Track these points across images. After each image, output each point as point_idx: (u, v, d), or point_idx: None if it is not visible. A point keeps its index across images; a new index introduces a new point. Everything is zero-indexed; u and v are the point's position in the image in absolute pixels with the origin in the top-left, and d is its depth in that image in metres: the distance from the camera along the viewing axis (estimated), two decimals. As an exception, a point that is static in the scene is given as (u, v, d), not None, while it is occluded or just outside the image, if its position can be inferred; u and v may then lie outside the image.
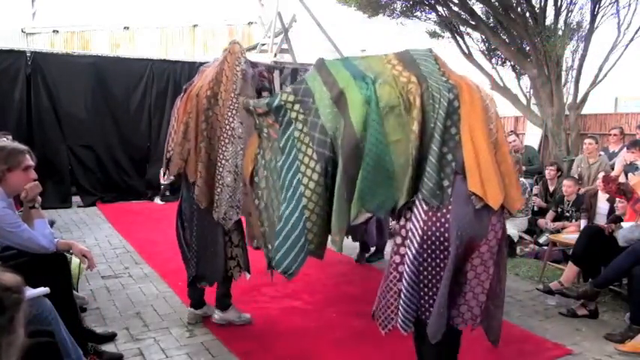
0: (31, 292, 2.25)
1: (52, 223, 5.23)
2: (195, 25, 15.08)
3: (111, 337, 3.31)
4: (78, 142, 8.33)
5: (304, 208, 2.66)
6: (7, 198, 2.76)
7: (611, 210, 5.00)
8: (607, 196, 4.94)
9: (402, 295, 2.38)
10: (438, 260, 2.34)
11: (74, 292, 3.21)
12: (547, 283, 4.23)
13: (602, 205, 5.24)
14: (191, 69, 8.50)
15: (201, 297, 3.66)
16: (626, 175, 5.14)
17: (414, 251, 2.35)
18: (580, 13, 8.71)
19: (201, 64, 4.17)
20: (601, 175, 4.81)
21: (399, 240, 2.45)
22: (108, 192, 8.48)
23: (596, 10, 8.12)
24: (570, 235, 4.84)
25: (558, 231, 5.47)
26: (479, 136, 2.34)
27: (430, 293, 2.39)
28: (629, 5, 7.98)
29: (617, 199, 4.41)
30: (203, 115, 3.27)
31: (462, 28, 9.78)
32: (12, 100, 7.74)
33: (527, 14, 8.37)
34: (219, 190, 3.25)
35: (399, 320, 2.42)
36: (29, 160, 2.82)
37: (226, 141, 3.22)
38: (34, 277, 2.21)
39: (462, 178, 2.32)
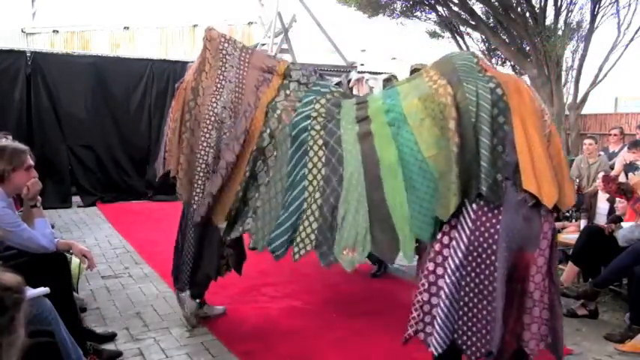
0: (31, 292, 2.25)
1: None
2: (195, 25, 15.06)
3: (111, 337, 3.31)
4: (78, 142, 8.33)
5: (304, 200, 2.76)
6: (7, 198, 2.76)
7: (611, 210, 4.99)
8: (607, 196, 4.94)
9: (440, 311, 2.28)
10: (482, 276, 2.24)
11: (74, 293, 3.20)
12: (547, 283, 4.23)
13: (602, 205, 5.24)
14: (191, 69, 8.49)
15: (202, 294, 3.65)
16: (626, 175, 5.14)
17: (457, 261, 2.26)
18: (580, 13, 8.75)
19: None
20: (601, 175, 4.81)
21: (437, 247, 2.33)
22: (108, 192, 8.47)
23: (596, 10, 8.13)
24: (570, 235, 4.84)
25: (558, 231, 5.45)
26: (531, 129, 2.25)
27: (470, 314, 2.27)
28: (629, 5, 8.02)
29: (617, 199, 4.41)
30: (187, 107, 3.28)
31: (462, 28, 9.80)
32: (12, 100, 7.74)
33: (527, 14, 8.38)
34: (204, 179, 3.16)
35: (434, 340, 2.29)
36: (30, 160, 2.84)
37: (210, 127, 3.17)
38: (34, 277, 2.20)
39: (512, 183, 2.23)
